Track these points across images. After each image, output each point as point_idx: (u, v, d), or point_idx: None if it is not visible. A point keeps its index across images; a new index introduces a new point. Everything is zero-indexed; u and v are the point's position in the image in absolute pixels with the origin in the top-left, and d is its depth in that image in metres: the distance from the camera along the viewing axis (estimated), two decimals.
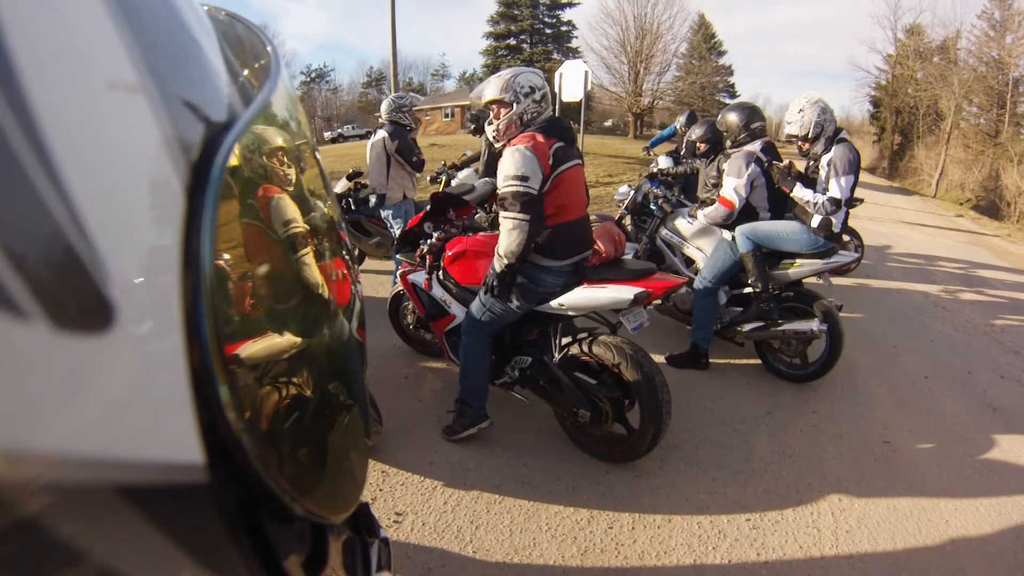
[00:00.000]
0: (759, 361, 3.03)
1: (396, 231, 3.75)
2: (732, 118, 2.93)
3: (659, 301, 2.75)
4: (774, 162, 2.83)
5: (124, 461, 0.16)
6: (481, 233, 2.51)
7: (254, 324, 0.25)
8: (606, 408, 2.10)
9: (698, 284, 2.91)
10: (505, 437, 2.34)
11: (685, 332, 3.26)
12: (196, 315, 0.20)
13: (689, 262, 3.22)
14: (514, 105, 1.98)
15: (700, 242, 3.12)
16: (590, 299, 2.02)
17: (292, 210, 0.32)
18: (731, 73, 32.18)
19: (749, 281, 2.84)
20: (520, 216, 1.90)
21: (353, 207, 4.19)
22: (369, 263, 4.82)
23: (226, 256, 0.23)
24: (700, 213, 3.07)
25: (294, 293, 0.31)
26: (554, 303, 2.07)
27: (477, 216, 2.97)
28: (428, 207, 2.60)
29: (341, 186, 4.40)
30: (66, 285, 0.16)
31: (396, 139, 3.52)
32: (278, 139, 0.32)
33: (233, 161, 0.24)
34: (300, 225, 0.33)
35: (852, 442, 2.42)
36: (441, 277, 2.50)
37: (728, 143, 3.01)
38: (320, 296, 0.34)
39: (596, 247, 2.16)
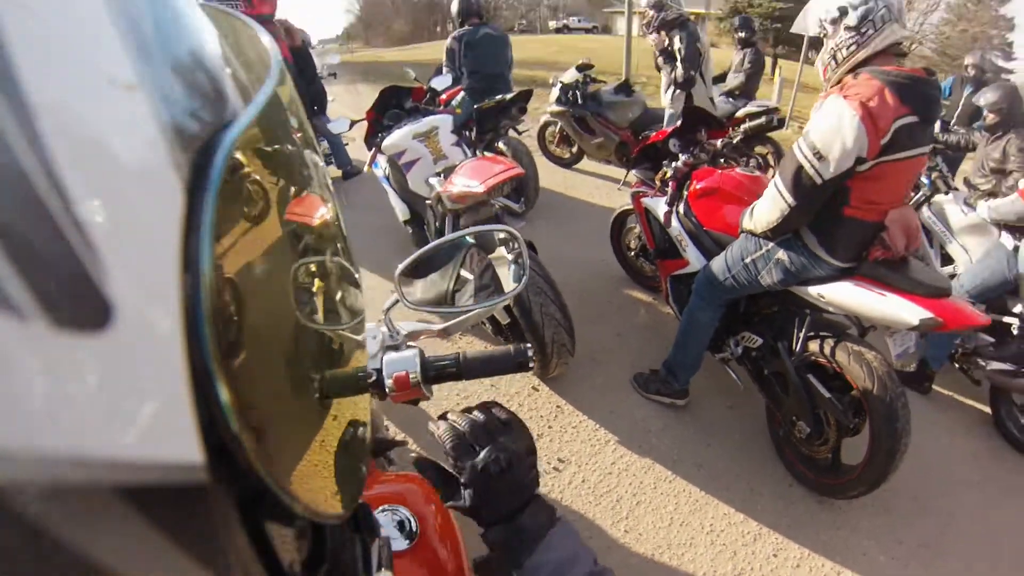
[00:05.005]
0: (988, 409, 2.40)
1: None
2: None
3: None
4: None
5: (123, 461, 0.17)
6: (739, 170, 2.08)
7: (254, 323, 0.25)
8: (830, 433, 1.77)
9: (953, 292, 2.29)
10: (700, 406, 2.11)
11: None
12: (196, 314, 0.20)
13: (947, 260, 2.57)
14: (825, 38, 1.51)
15: (969, 240, 2.46)
16: (860, 304, 1.60)
17: (293, 208, 0.32)
18: (1011, 28, 25.83)
19: (1016, 310, 2.21)
20: (786, 196, 1.53)
21: (580, 100, 4.03)
22: (585, 164, 4.39)
23: (226, 255, 0.22)
24: (985, 204, 2.36)
25: (295, 292, 0.31)
26: (813, 290, 1.67)
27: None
28: (679, 122, 2.18)
29: (569, 76, 4.16)
30: (64, 284, 0.16)
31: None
32: (278, 137, 0.32)
33: (233, 160, 0.23)
34: (301, 223, 0.32)
35: None
36: (682, 211, 2.09)
37: None
38: (322, 295, 0.35)
39: (883, 237, 1.60)
